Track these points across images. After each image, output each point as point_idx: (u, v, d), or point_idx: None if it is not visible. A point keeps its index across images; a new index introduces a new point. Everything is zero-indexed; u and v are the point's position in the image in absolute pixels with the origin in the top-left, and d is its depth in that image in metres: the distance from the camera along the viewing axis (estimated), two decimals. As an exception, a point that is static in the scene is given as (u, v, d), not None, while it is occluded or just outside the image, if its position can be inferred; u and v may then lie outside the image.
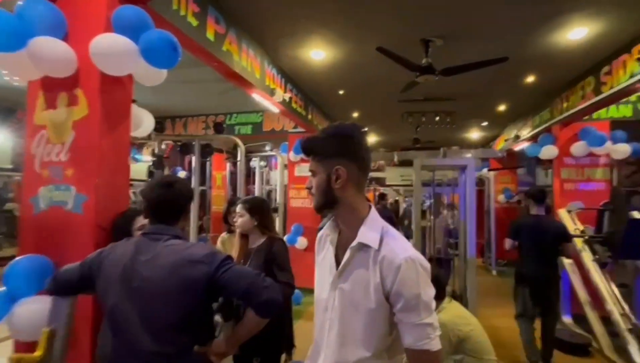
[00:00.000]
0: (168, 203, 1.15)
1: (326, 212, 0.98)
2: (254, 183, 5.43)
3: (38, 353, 1.11)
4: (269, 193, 6.46)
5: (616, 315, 3.19)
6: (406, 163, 8.05)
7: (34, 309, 1.45)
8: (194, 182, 3.20)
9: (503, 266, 7.10)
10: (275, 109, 3.99)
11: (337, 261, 0.94)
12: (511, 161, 7.53)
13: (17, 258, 1.60)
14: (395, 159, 5.03)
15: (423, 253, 4.27)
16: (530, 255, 2.97)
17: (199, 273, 1.05)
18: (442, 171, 4.55)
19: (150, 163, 5.87)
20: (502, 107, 5.77)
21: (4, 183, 6.56)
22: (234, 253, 1.87)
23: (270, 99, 3.62)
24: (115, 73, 1.68)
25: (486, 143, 8.80)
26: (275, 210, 4.13)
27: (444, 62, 3.27)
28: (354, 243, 0.89)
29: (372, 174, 9.90)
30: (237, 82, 3.15)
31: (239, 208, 1.86)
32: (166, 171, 8.63)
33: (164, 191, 1.15)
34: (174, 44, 1.67)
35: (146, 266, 1.07)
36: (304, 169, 5.63)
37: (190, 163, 6.73)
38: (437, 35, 3.16)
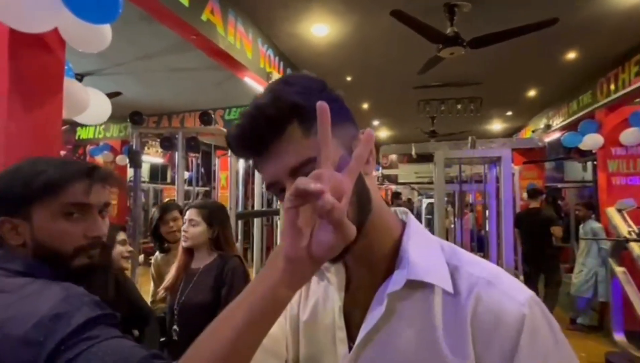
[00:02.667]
0: None
1: None
2: (254, 183, 4.98)
3: None
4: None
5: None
6: (422, 159, 7.46)
7: None
8: (177, 180, 2.72)
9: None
10: (273, 97, 3.48)
11: (350, 326, 0.48)
12: (539, 154, 6.85)
13: None
14: (413, 152, 4.47)
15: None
16: (527, 237, 3.93)
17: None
18: (464, 166, 3.98)
19: (158, 163, 5.49)
20: (532, 93, 5.14)
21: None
22: (169, 276, 1.39)
23: (266, 85, 3.12)
24: (27, 28, 1.19)
25: (509, 135, 8.12)
26: (277, 212, 3.64)
27: (472, 32, 2.70)
28: (394, 285, 0.43)
29: (384, 172, 9.31)
30: (224, 63, 2.66)
31: (192, 213, 1.36)
32: (168, 173, 8.23)
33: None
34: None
35: None
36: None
37: (196, 163, 6.32)
38: (463, -1, 2.59)
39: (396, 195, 5.70)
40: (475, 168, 4.02)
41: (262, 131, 0.41)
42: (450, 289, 0.42)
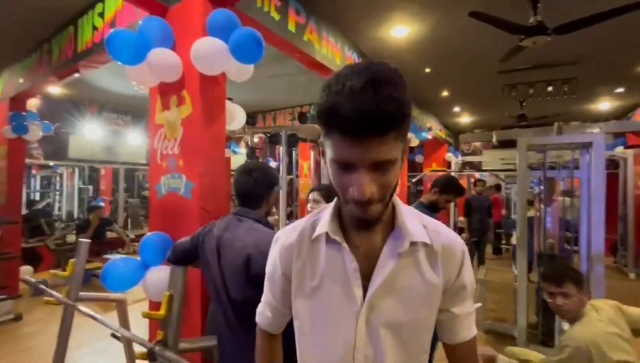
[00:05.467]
0: (247, 189, 1.25)
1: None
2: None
3: (161, 312, 1.34)
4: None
5: None
6: (509, 144, 7.06)
7: (160, 276, 1.77)
8: (282, 170, 3.41)
9: (646, 268, 5.69)
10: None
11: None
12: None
13: (146, 235, 1.96)
14: (494, 139, 4.42)
15: (531, 248, 3.71)
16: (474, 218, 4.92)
17: (257, 263, 1.09)
18: (556, 152, 3.83)
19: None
20: (645, 67, 4.52)
21: (142, 175, 8.19)
22: None
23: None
24: (211, 72, 1.88)
25: (623, 115, 7.05)
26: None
27: (556, 18, 2.70)
28: (402, 246, 0.61)
29: (465, 158, 8.98)
30: (319, 71, 3.20)
31: (314, 195, 1.89)
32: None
33: (243, 178, 1.25)
34: (258, 39, 1.77)
35: (227, 244, 1.19)
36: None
37: (279, 153, 7.26)
38: (548, -14, 2.61)
39: (478, 182, 5.63)
40: (575, 154, 3.82)
41: (378, 121, 0.47)
42: (429, 242, 0.63)
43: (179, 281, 1.44)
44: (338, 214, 0.66)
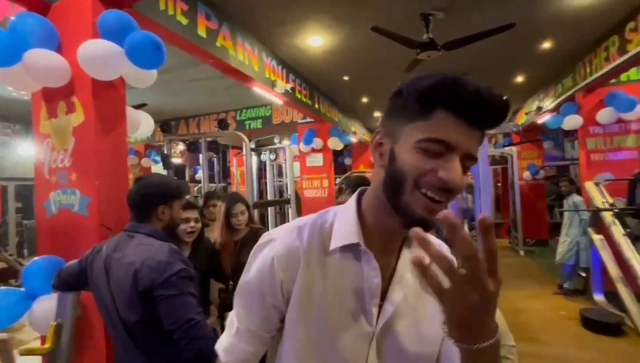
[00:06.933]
0: (135, 203, 1.19)
1: None
2: (266, 177, 5.53)
3: (47, 345, 1.19)
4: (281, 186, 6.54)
5: (650, 291, 2.99)
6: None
7: (50, 306, 1.57)
8: (203, 179, 3.28)
9: (531, 246, 6.82)
10: (279, 101, 3.99)
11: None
12: (535, 134, 7.13)
13: (33, 260, 1.72)
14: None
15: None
16: None
17: (145, 280, 1.05)
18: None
19: (178, 163, 6.17)
20: (519, 79, 5.45)
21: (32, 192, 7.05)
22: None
23: (272, 92, 3.62)
24: (104, 77, 1.73)
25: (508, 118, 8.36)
26: (288, 201, 4.17)
27: (447, 35, 3.11)
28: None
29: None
30: (236, 78, 3.17)
31: (240, 206, 1.95)
32: (187, 171, 8.91)
33: (132, 191, 1.20)
34: (157, 44, 1.70)
35: (116, 264, 1.13)
36: (315, 160, 5.62)
37: (215, 162, 6.94)
38: (437, 8, 3.00)
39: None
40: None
41: (500, 111, 0.46)
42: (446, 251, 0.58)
43: (69, 308, 1.31)
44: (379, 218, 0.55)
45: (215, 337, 1.19)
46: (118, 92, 1.89)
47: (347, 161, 8.81)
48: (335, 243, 0.55)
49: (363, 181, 2.47)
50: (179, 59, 3.91)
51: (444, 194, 0.47)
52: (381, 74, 4.81)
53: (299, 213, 5.40)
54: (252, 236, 1.93)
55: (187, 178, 8.74)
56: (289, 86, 4.01)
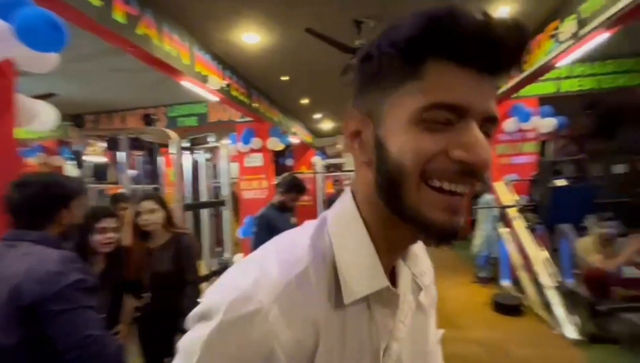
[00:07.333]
0: (22, 205, 1.03)
1: None
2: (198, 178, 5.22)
3: None
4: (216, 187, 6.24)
5: (543, 275, 3.48)
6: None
7: None
8: (125, 180, 2.98)
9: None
10: (213, 98, 3.81)
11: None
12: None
13: None
14: (338, 146, 5.04)
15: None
16: None
17: (30, 293, 0.91)
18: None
19: (101, 162, 5.48)
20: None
21: None
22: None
23: (204, 87, 3.44)
24: (-16, 58, 1.47)
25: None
26: (222, 203, 3.99)
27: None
28: (419, 274, 0.46)
29: (332, 161, 9.94)
30: (161, 70, 2.94)
31: (148, 203, 1.73)
32: (110, 171, 8.07)
33: (14, 194, 1.02)
34: (53, 22, 1.49)
35: None
36: (254, 160, 5.50)
37: (142, 161, 6.31)
38: (369, 16, 3.14)
39: (336, 182, 6.33)
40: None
41: (517, 52, 0.33)
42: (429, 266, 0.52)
43: None
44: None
45: (121, 353, 1.07)
46: (5, 77, 1.61)
47: (289, 161, 8.79)
48: (354, 291, 0.36)
49: (294, 180, 2.48)
50: (99, 45, 3.52)
51: (467, 181, 0.34)
52: (320, 76, 4.88)
53: (237, 215, 5.21)
54: (174, 243, 1.74)
55: (110, 179, 7.90)
56: (224, 83, 3.86)
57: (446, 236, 0.34)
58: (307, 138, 8.31)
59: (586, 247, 3.10)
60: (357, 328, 0.37)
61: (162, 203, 1.78)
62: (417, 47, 0.33)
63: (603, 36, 2.76)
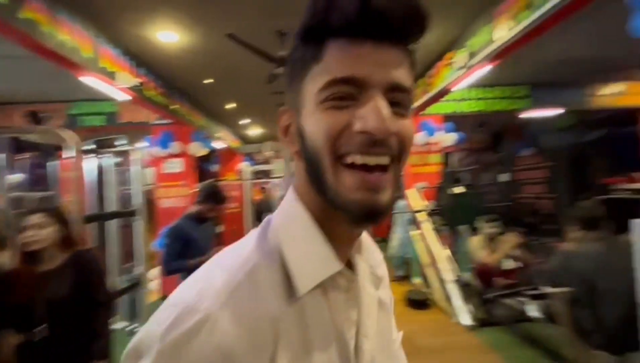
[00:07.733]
0: None
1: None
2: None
3: None
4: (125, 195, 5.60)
5: (445, 271, 3.95)
6: (290, 155, 8.17)
7: None
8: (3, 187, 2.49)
9: (379, 242, 7.96)
10: (121, 97, 3.45)
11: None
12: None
13: None
14: (267, 152, 5.03)
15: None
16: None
17: None
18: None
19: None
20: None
21: None
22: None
23: (110, 84, 3.10)
24: None
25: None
26: (133, 213, 3.60)
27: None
28: (375, 265, 0.48)
29: (260, 167, 9.80)
30: (54, 61, 2.56)
31: (37, 217, 1.47)
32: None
33: None
34: None
35: None
36: (173, 166, 5.12)
37: (31, 163, 5.31)
38: (292, 28, 3.22)
39: (262, 189, 6.28)
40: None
41: (411, 17, 0.34)
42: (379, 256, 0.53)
43: None
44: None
45: None
46: None
47: (214, 168, 8.40)
48: (307, 280, 0.36)
49: (212, 189, 2.39)
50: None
51: (377, 152, 0.33)
52: (247, 81, 4.80)
53: (153, 225, 4.77)
54: (73, 263, 1.48)
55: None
56: (137, 81, 3.53)
57: (366, 216, 0.33)
58: (234, 143, 8.06)
59: (476, 245, 3.62)
60: (318, 318, 0.36)
61: (58, 216, 1.51)
62: (311, 32, 0.35)
63: (487, 68, 3.30)
